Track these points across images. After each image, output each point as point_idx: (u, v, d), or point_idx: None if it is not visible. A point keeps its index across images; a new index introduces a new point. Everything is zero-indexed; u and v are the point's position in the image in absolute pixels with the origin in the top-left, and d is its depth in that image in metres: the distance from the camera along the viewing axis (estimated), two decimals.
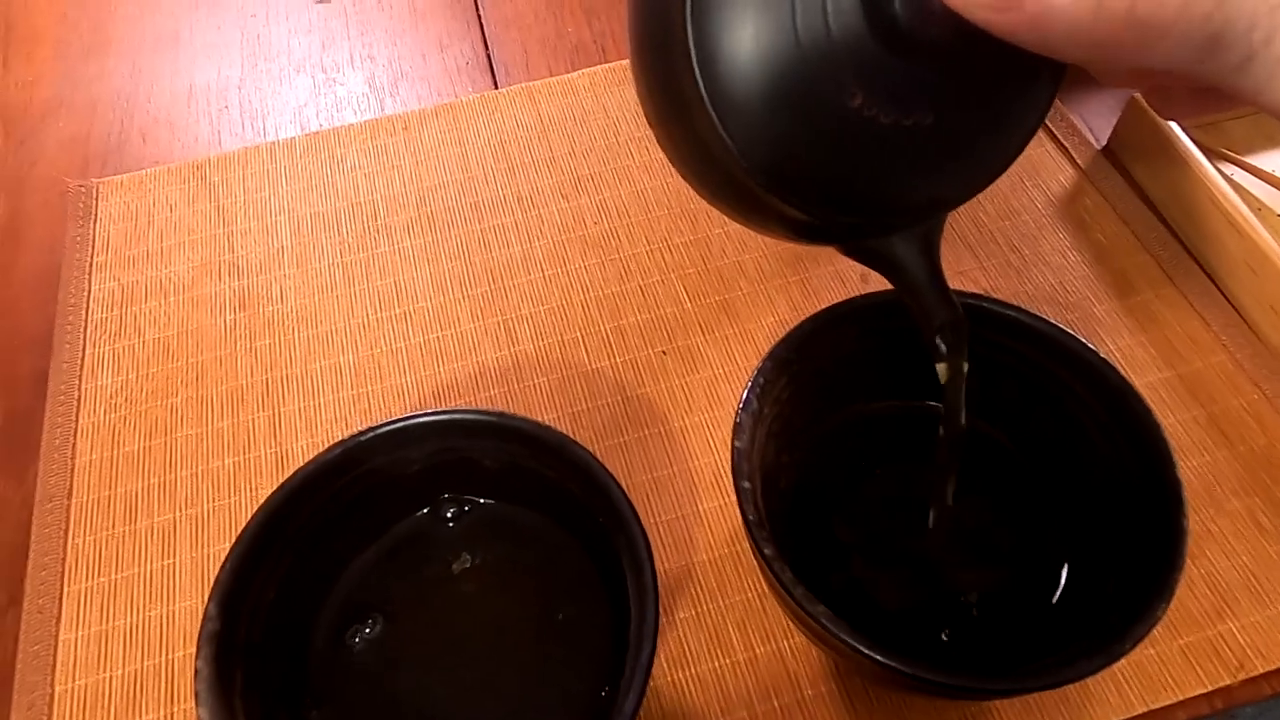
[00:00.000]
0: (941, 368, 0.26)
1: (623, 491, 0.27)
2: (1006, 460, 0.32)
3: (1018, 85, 0.22)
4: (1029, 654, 0.28)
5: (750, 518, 0.27)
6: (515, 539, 0.31)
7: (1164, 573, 0.25)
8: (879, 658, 0.24)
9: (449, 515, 0.31)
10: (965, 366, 0.26)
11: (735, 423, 0.29)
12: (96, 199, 0.47)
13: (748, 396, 0.29)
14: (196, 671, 0.25)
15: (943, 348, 0.25)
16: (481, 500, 0.31)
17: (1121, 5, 0.17)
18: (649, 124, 0.25)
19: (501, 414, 0.29)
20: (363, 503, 0.30)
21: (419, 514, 0.31)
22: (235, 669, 0.26)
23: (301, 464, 0.29)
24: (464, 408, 0.30)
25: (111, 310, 0.42)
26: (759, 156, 0.21)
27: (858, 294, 0.32)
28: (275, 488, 0.28)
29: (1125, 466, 0.28)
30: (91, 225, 0.46)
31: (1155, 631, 0.25)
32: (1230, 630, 0.32)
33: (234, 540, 0.27)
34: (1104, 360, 0.29)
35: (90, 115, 0.52)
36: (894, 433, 0.33)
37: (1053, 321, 0.30)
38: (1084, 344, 0.30)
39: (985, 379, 0.32)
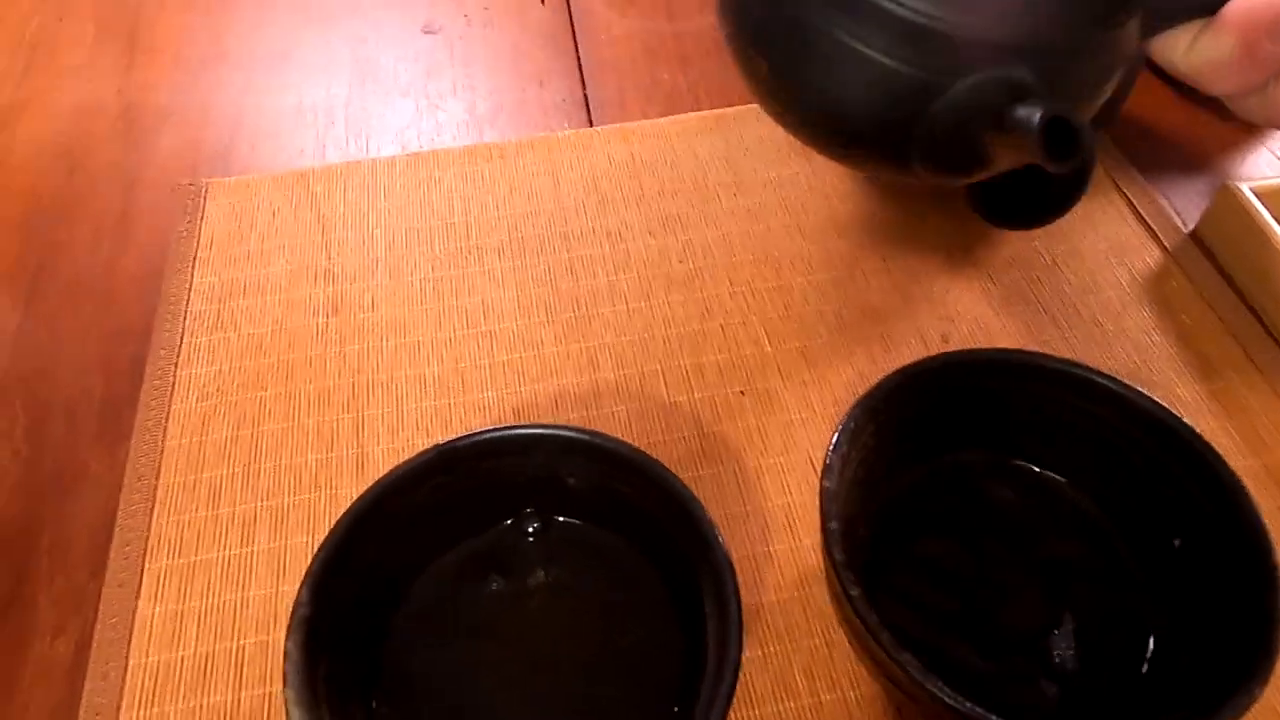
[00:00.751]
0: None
1: (710, 519, 0.28)
2: (1098, 529, 0.32)
3: None
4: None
5: (838, 558, 0.27)
6: (593, 559, 0.31)
7: (1261, 655, 0.25)
8: (966, 709, 0.24)
9: (530, 530, 0.31)
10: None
11: (825, 464, 0.29)
12: (204, 198, 0.49)
13: (838, 439, 0.29)
14: (286, 653, 0.25)
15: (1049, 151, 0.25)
16: (563, 519, 0.32)
17: None
18: (769, 91, 0.27)
19: (595, 433, 0.30)
20: (449, 508, 0.30)
21: (502, 525, 0.31)
22: (320, 655, 0.26)
23: (388, 467, 0.29)
24: (558, 424, 0.30)
25: (210, 304, 0.44)
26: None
27: (939, 352, 0.32)
28: (369, 485, 0.29)
29: (1221, 545, 0.28)
30: (198, 222, 0.48)
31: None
32: None
33: (329, 531, 0.28)
34: (1210, 449, 0.29)
35: (203, 122, 0.54)
36: (976, 488, 0.33)
37: (1154, 398, 0.30)
38: (1182, 423, 0.30)
39: (1080, 446, 0.32)
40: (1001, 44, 0.24)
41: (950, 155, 0.26)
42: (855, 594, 0.26)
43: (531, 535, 0.32)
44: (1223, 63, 0.22)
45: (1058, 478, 0.33)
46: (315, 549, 0.34)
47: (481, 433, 0.30)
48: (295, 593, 0.34)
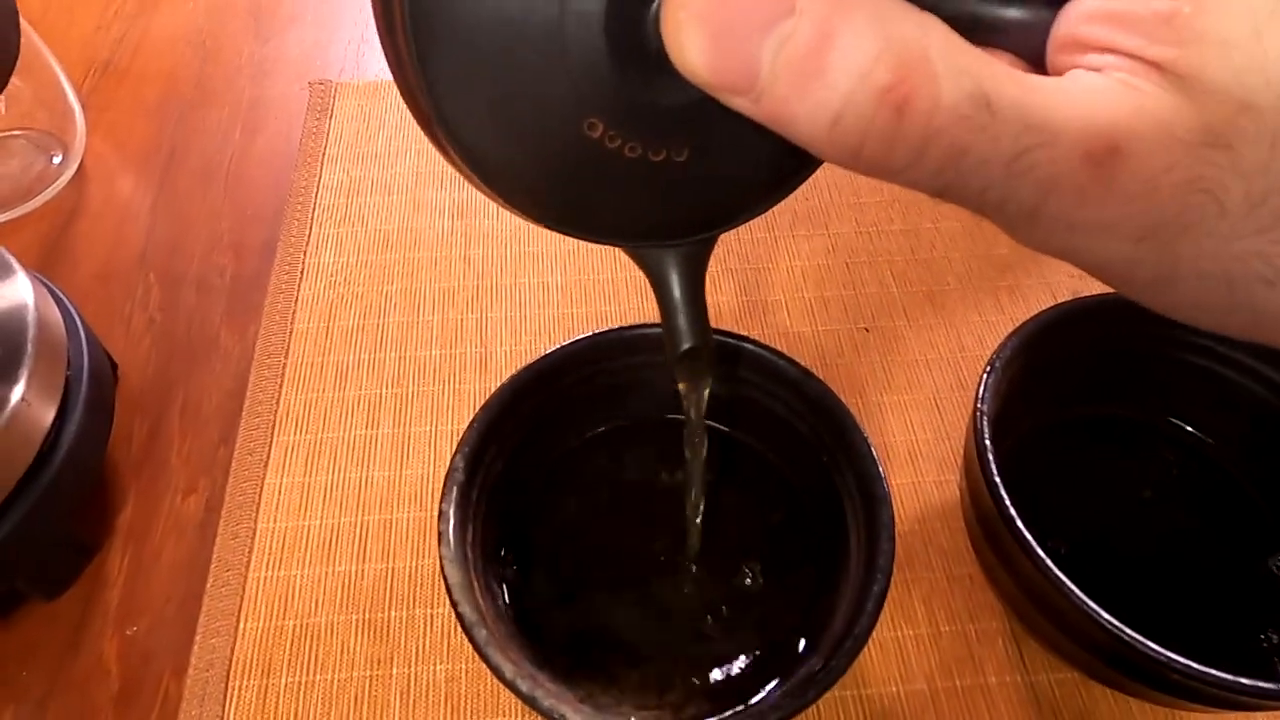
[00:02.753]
0: (682, 388, 0.24)
1: (859, 426, 0.28)
2: (1240, 491, 0.31)
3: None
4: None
5: (992, 479, 0.26)
6: (730, 464, 0.31)
7: None
8: (1147, 647, 0.23)
9: (669, 431, 0.32)
10: (705, 394, 0.24)
11: (979, 390, 0.29)
12: (334, 97, 0.49)
13: (995, 363, 0.29)
14: (440, 514, 0.26)
15: (680, 375, 0.24)
16: (711, 425, 0.32)
17: (851, 141, 0.13)
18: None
19: (739, 335, 0.30)
20: (594, 399, 0.30)
21: (648, 420, 0.32)
22: (469, 520, 0.27)
23: (512, 367, 0.30)
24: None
25: (339, 198, 0.45)
26: (481, 157, 0.18)
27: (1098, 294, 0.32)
28: (515, 372, 0.29)
29: None
30: (327, 120, 0.48)
31: None
32: None
33: (481, 407, 0.28)
34: None
35: (333, 25, 0.55)
36: (1120, 443, 0.32)
37: None
38: None
39: (1238, 411, 0.31)
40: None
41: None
42: (1010, 513, 0.26)
43: (671, 433, 0.31)
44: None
45: (1207, 439, 0.32)
46: (443, 434, 0.34)
47: (629, 328, 0.30)
48: (418, 478, 0.35)
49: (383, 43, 0.17)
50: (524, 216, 0.19)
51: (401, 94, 0.18)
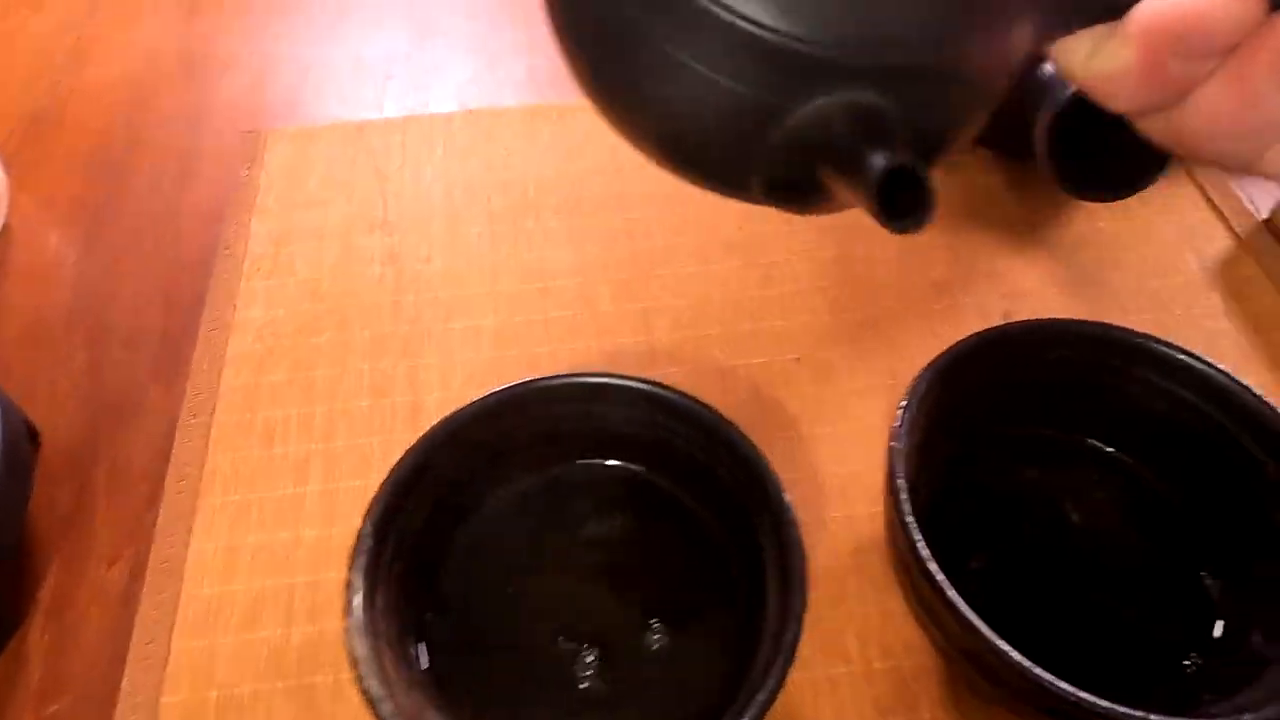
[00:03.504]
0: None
1: (772, 471, 0.27)
2: (1168, 508, 0.31)
3: None
4: (1173, 709, 0.27)
5: (908, 519, 0.26)
6: (651, 511, 0.31)
7: None
8: (1041, 677, 0.23)
9: (589, 479, 0.31)
10: None
11: (894, 425, 0.28)
12: (265, 146, 0.49)
13: (908, 401, 0.29)
14: (348, 584, 0.25)
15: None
16: (622, 466, 0.31)
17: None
18: (592, 96, 0.21)
19: (658, 384, 0.30)
20: (512, 453, 0.30)
21: (562, 469, 0.31)
22: (379, 587, 0.26)
23: (442, 415, 0.29)
24: (623, 374, 0.30)
25: (268, 248, 0.44)
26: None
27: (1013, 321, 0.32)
28: (431, 426, 0.29)
29: None
30: (258, 170, 0.48)
31: None
32: None
33: (393, 467, 0.28)
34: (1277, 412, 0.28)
35: (264, 72, 0.54)
36: (1043, 463, 0.32)
37: (1228, 371, 0.30)
38: (1260, 397, 0.29)
39: (1152, 425, 0.31)
40: (847, 64, 0.19)
41: (797, 190, 0.21)
42: (925, 554, 0.25)
43: (590, 484, 0.31)
44: (1121, 78, 0.18)
45: (1125, 457, 0.32)
46: (375, 489, 0.34)
47: (545, 379, 0.30)
48: (348, 535, 0.34)
49: None
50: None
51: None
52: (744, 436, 0.28)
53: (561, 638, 0.28)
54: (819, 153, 0.20)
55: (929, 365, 0.30)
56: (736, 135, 0.20)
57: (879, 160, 0.18)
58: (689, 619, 0.29)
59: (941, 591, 0.25)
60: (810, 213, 0.22)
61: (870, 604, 0.32)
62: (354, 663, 0.24)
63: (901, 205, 0.19)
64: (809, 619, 0.32)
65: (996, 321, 0.41)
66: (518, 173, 0.47)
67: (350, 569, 0.26)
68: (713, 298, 0.42)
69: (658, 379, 0.39)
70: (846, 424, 0.37)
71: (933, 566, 0.25)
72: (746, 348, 0.40)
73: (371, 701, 0.23)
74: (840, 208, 0.21)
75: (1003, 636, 0.29)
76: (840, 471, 0.36)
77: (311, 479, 0.36)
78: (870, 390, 0.38)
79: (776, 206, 0.21)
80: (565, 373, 0.30)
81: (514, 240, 0.44)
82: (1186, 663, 0.28)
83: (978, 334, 0.31)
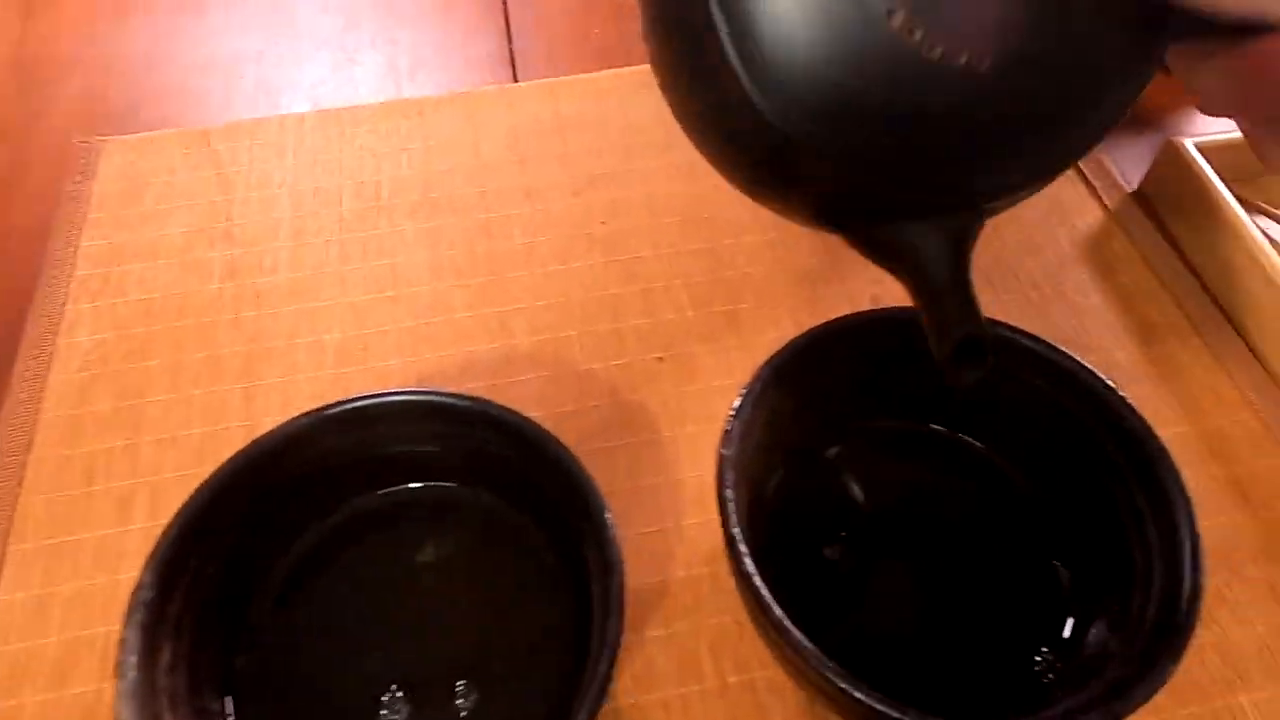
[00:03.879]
0: (954, 386, 0.23)
1: (600, 496, 0.26)
2: (1020, 497, 0.30)
3: (1111, 41, 0.17)
4: (1021, 708, 0.26)
5: (733, 531, 0.25)
6: (485, 534, 0.29)
7: (1174, 633, 0.23)
8: (860, 696, 0.22)
9: (415, 502, 0.29)
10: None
11: (725, 430, 0.27)
12: (99, 157, 0.46)
13: (741, 404, 0.27)
14: (121, 642, 0.23)
15: (957, 365, 0.21)
16: (452, 487, 0.29)
17: None
18: (662, 86, 0.22)
19: (479, 400, 0.28)
20: (324, 480, 0.28)
21: (382, 498, 0.29)
22: (163, 642, 0.24)
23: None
24: (440, 390, 0.28)
25: (98, 268, 0.41)
26: (776, 80, 0.17)
27: (858, 311, 0.30)
28: (230, 457, 0.27)
29: (1141, 517, 0.26)
30: (90, 182, 0.45)
31: (1159, 698, 0.23)
32: (1240, 704, 0.29)
33: (180, 507, 0.25)
34: (1127, 404, 0.27)
35: (106, 75, 0.51)
36: (894, 455, 0.31)
37: (1076, 357, 0.29)
38: (1106, 383, 0.28)
39: (1002, 412, 0.30)
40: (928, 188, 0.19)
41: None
42: (749, 569, 0.24)
43: (417, 508, 0.29)
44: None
45: (977, 444, 0.31)
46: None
47: (353, 400, 0.28)
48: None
49: None
50: (807, 151, 0.18)
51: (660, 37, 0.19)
52: (570, 455, 0.27)
53: (378, 682, 0.26)
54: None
55: (766, 363, 0.28)
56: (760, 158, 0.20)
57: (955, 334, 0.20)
58: (516, 651, 0.27)
59: (768, 609, 0.23)
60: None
61: (726, 614, 0.31)
62: None
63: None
64: (662, 635, 0.31)
65: (864, 306, 0.40)
66: (371, 174, 0.45)
67: (125, 625, 0.23)
68: (573, 297, 0.40)
69: (513, 385, 0.37)
70: (708, 424, 0.36)
71: (758, 582, 0.24)
72: (608, 348, 0.38)
73: None
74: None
75: (854, 635, 0.28)
76: (701, 474, 0.34)
77: (136, 516, 0.34)
78: (734, 387, 0.36)
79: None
80: (360, 394, 0.28)
81: (365, 247, 0.42)
82: (1038, 658, 0.27)
83: (812, 329, 0.29)
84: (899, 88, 0.17)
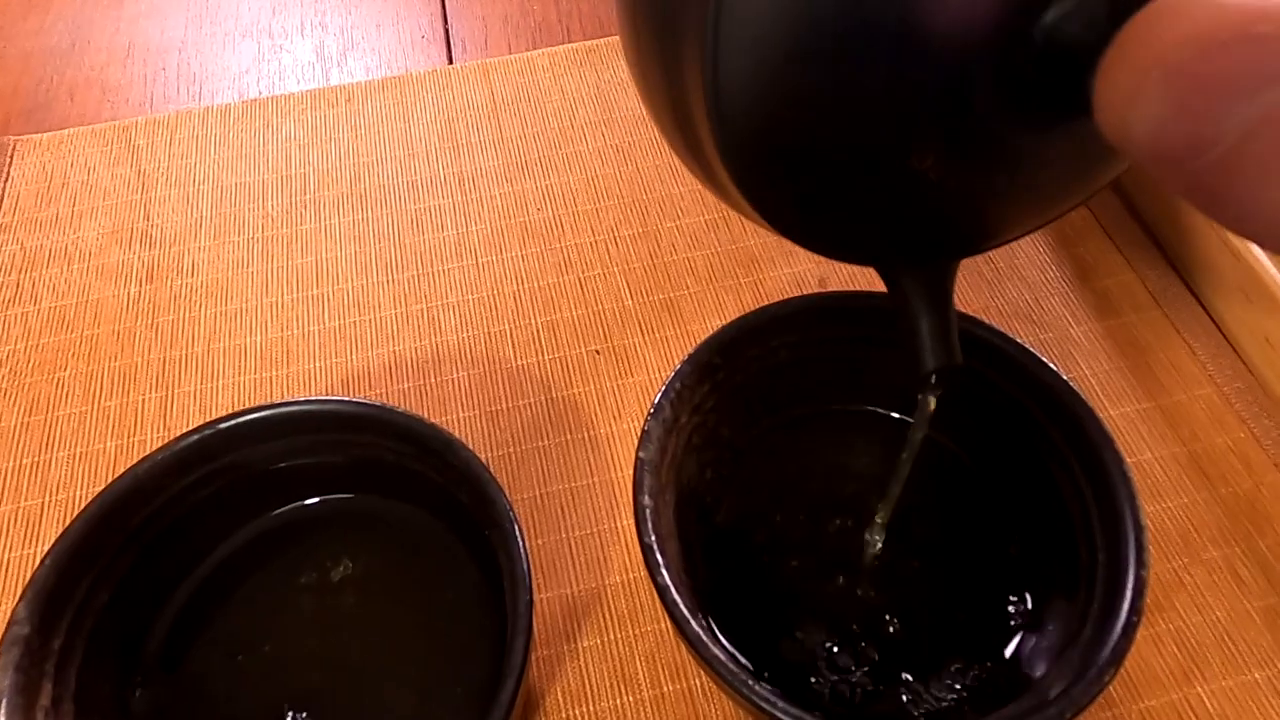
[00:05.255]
0: (920, 399, 0.23)
1: (507, 504, 0.24)
2: (969, 485, 0.29)
3: (1082, 168, 0.19)
4: (957, 712, 0.24)
5: (647, 540, 0.23)
6: (398, 547, 0.28)
7: (1116, 636, 0.21)
8: (780, 713, 0.20)
9: (325, 516, 0.28)
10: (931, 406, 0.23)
11: (643, 430, 0.25)
12: (11, 157, 0.43)
13: (660, 402, 0.26)
14: None
15: (925, 392, 0.23)
16: (359, 498, 0.28)
17: None
18: (628, 63, 0.20)
19: (381, 406, 0.26)
20: (222, 497, 0.26)
21: (289, 513, 0.28)
22: (42, 681, 0.22)
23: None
24: (340, 398, 0.26)
25: (9, 275, 0.39)
26: (747, 166, 0.17)
27: (792, 297, 0.29)
28: (117, 476, 0.25)
29: (1085, 503, 0.25)
30: (2, 184, 0.42)
31: (1114, 690, 0.21)
32: (1199, 695, 0.28)
33: (59, 535, 0.24)
34: (1063, 382, 0.26)
35: (20, 70, 0.49)
36: (833, 443, 0.30)
37: (1013, 338, 0.27)
38: (1043, 363, 0.26)
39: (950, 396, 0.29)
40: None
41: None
42: (662, 581, 0.23)
43: (328, 523, 0.28)
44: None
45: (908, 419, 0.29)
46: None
47: (250, 411, 0.26)
48: None
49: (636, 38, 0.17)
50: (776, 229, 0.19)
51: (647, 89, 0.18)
52: (478, 462, 0.25)
53: (283, 706, 0.25)
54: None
55: (686, 358, 0.27)
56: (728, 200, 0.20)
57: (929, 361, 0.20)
58: (436, 667, 0.26)
59: (684, 623, 0.22)
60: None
61: (662, 620, 0.30)
62: None
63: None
64: (596, 644, 0.29)
65: (811, 290, 0.38)
66: (298, 166, 0.43)
67: None
68: (506, 290, 0.38)
69: (442, 384, 0.35)
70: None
71: (675, 596, 0.22)
72: (542, 342, 0.37)
73: None
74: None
75: (797, 623, 0.27)
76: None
77: (46, 538, 0.32)
78: None
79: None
80: (256, 405, 0.26)
81: (289, 244, 0.40)
82: (1010, 610, 0.26)
83: (741, 318, 0.28)
84: (889, 197, 0.18)
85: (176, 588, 0.27)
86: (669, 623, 0.23)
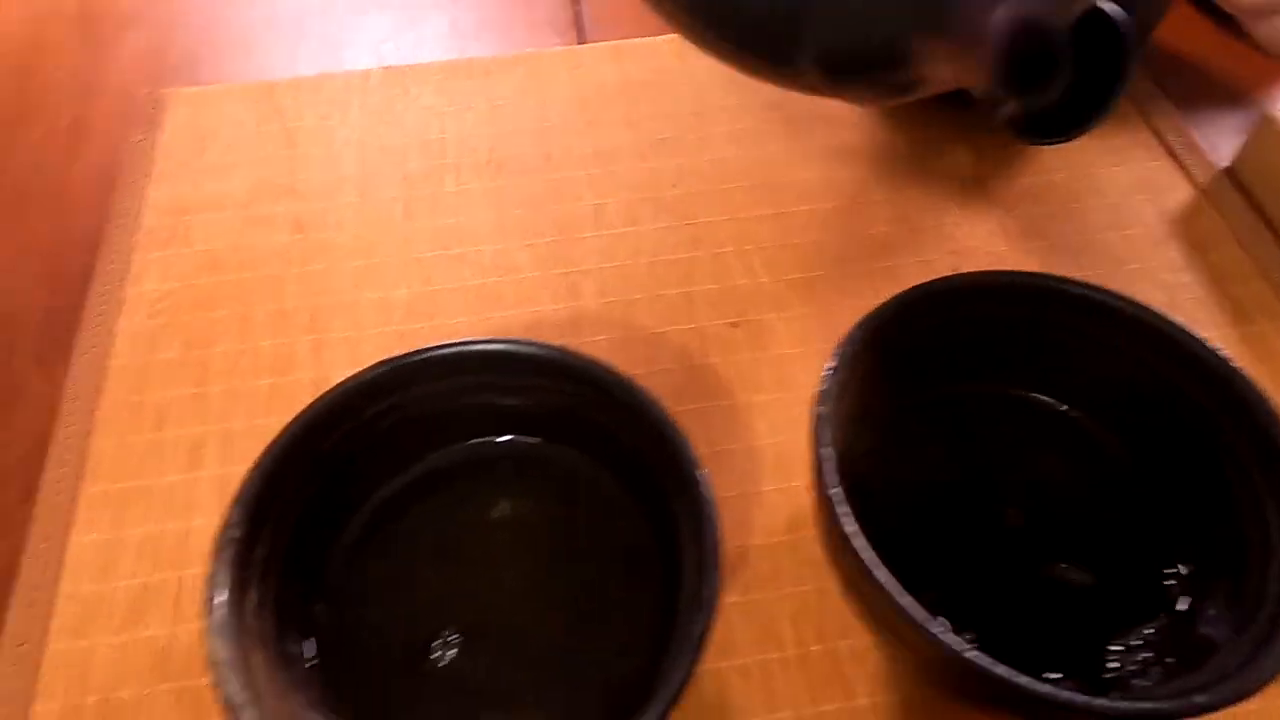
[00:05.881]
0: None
1: (691, 451, 0.25)
2: (1118, 467, 0.29)
3: None
4: (1115, 686, 0.25)
5: (830, 491, 0.24)
6: (565, 490, 0.28)
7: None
8: (970, 658, 0.21)
9: (495, 456, 0.29)
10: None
11: (821, 389, 0.26)
12: (164, 109, 0.45)
13: (836, 364, 0.27)
14: (209, 579, 0.23)
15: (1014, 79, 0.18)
16: (532, 442, 0.29)
17: None
18: None
19: (566, 351, 0.27)
20: (403, 430, 0.27)
21: (463, 451, 0.29)
22: (250, 583, 0.23)
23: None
24: (525, 339, 0.27)
25: (164, 219, 0.41)
26: None
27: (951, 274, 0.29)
28: (311, 401, 0.26)
29: (1251, 482, 0.25)
30: (155, 133, 0.44)
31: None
32: None
33: (264, 450, 0.25)
34: (1240, 376, 0.26)
35: (169, 29, 0.51)
36: (982, 420, 0.30)
37: (1183, 325, 0.27)
38: (1226, 359, 0.27)
39: (1100, 378, 0.29)
40: None
41: (856, 61, 0.17)
42: (850, 529, 0.23)
43: (497, 462, 0.29)
44: None
45: (1073, 412, 0.30)
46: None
47: (436, 348, 0.27)
48: None
49: None
50: None
51: None
52: (652, 403, 0.26)
53: (456, 631, 0.26)
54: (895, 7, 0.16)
55: (859, 324, 0.27)
56: None
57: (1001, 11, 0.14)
58: (597, 608, 0.27)
59: (868, 571, 0.23)
60: (875, 100, 0.17)
61: (808, 583, 0.30)
62: (213, 666, 0.21)
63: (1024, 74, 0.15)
64: (740, 602, 0.30)
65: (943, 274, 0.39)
66: (436, 133, 0.44)
67: (214, 561, 0.23)
68: (642, 260, 0.39)
69: (583, 346, 0.36)
70: (784, 391, 0.35)
71: (859, 543, 0.23)
72: (678, 313, 0.37)
73: (232, 709, 0.21)
74: (923, 90, 0.16)
75: (941, 608, 0.27)
76: (777, 441, 0.34)
77: (206, 464, 0.33)
78: (810, 355, 0.36)
79: (833, 93, 0.17)
80: (453, 340, 0.27)
81: (431, 204, 0.41)
82: (1139, 641, 0.26)
83: (910, 290, 0.28)
84: None
85: (354, 512, 0.28)
86: (850, 573, 0.24)
